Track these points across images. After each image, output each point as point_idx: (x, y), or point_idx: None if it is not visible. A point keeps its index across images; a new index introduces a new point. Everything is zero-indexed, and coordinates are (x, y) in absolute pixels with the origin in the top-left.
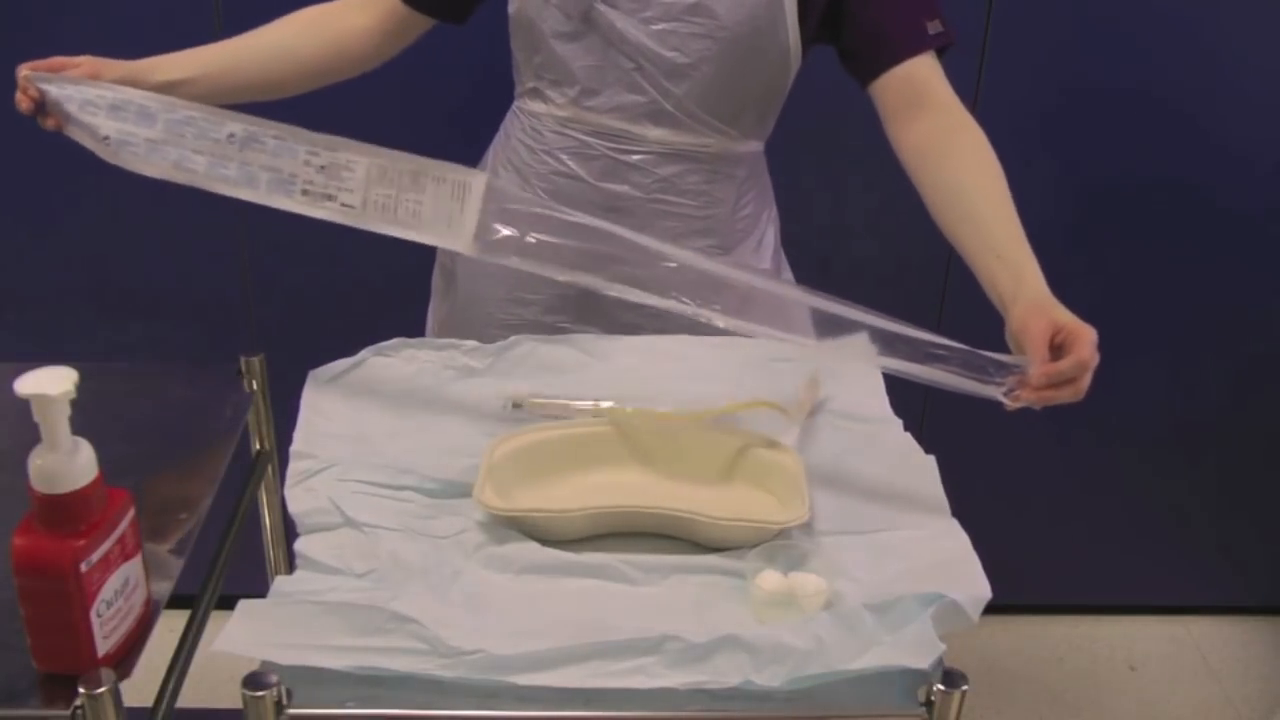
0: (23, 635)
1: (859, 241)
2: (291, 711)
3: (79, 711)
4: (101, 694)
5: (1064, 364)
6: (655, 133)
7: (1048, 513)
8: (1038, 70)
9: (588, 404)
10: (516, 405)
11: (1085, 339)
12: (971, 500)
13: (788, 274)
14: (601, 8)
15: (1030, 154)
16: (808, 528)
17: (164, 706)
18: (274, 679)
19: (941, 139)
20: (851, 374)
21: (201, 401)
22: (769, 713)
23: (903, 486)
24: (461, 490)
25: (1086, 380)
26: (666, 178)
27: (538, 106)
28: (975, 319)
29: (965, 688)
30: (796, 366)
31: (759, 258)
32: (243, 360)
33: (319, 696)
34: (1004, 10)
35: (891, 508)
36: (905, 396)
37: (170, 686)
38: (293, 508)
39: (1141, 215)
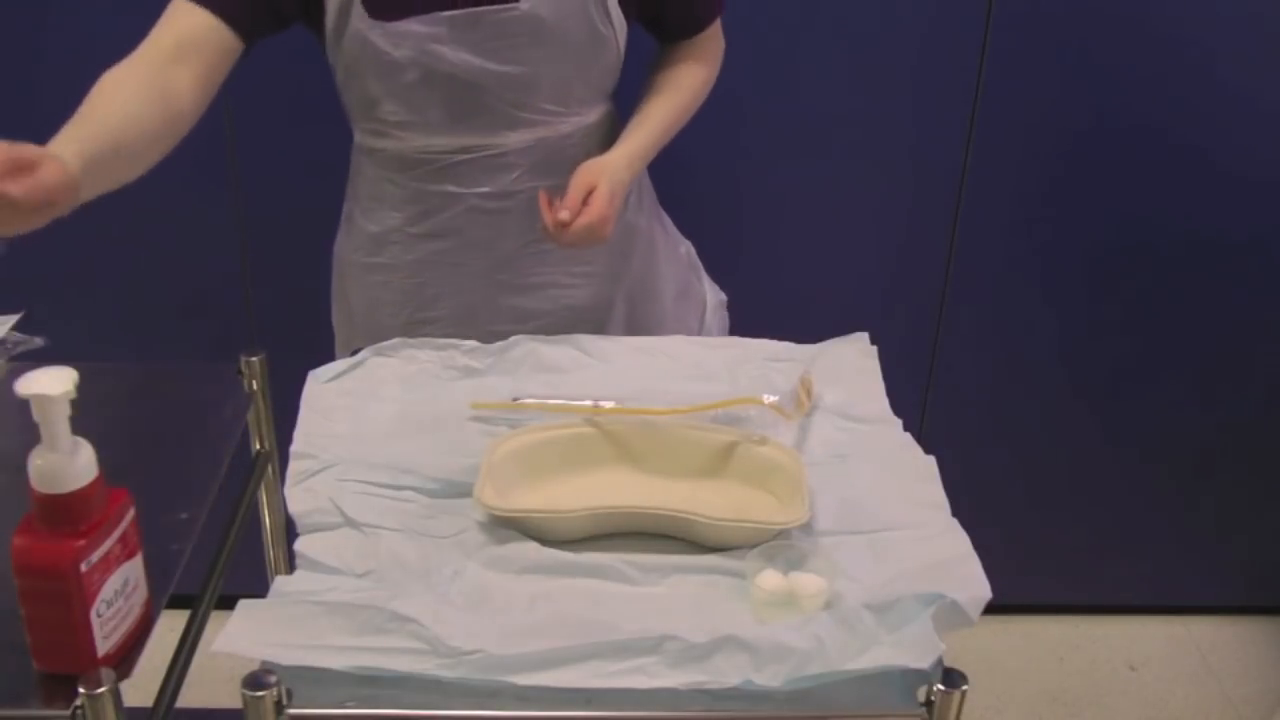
0: (23, 635)
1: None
2: (291, 711)
3: (79, 711)
4: (101, 694)
5: (577, 222)
6: (514, 138)
7: (1048, 513)
8: (1044, 106)
9: (588, 404)
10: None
11: (595, 210)
12: (971, 500)
13: (665, 216)
14: (433, 47)
15: (1054, 183)
16: (808, 528)
17: (164, 706)
18: (274, 679)
19: (678, 64)
20: (851, 374)
21: (201, 401)
22: (769, 713)
23: (903, 486)
24: (461, 490)
25: (598, 232)
26: (535, 164)
27: (388, 144)
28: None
29: (965, 688)
30: (794, 366)
31: (642, 210)
32: (243, 360)
33: (319, 696)
34: (1005, 12)
35: (891, 508)
36: (905, 396)
37: (170, 686)
38: (293, 508)
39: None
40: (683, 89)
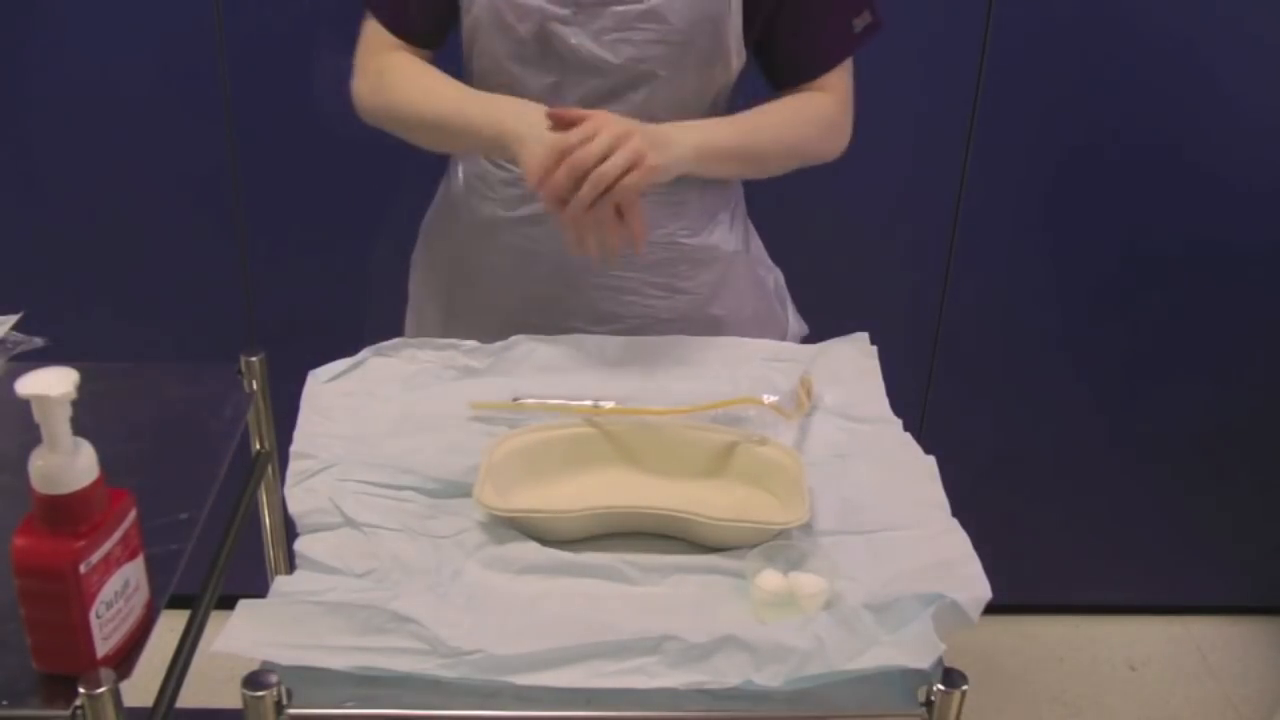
0: (23, 635)
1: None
2: (291, 711)
3: (79, 711)
4: (101, 694)
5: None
6: None
7: (1048, 513)
8: (1044, 107)
9: (588, 404)
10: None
11: (591, 130)
12: (971, 500)
13: (756, 242)
14: (554, 26)
15: (1053, 184)
16: (808, 528)
17: (164, 706)
18: (274, 679)
19: (786, 101)
20: (851, 374)
21: (201, 401)
22: (769, 713)
23: (903, 486)
24: (461, 490)
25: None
26: None
27: None
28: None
29: (965, 688)
30: (794, 366)
31: (732, 233)
32: (243, 360)
33: (319, 696)
34: (1004, 17)
35: (891, 508)
36: (905, 396)
37: (170, 686)
38: (293, 508)
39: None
40: (787, 116)
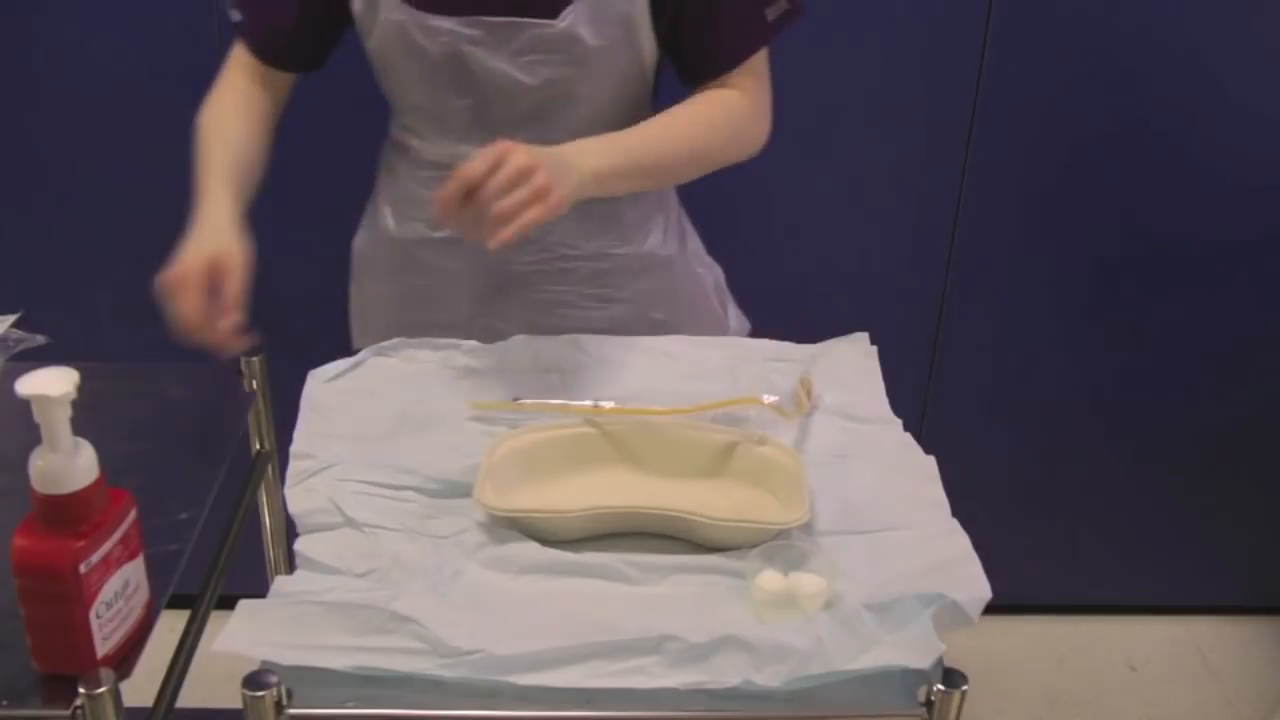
0: (23, 635)
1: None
2: (291, 711)
3: (79, 711)
4: (101, 694)
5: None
6: None
7: (1048, 513)
8: (1044, 105)
9: (588, 404)
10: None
11: (495, 161)
12: (971, 500)
13: (694, 240)
14: (467, 48)
15: (1054, 183)
16: (808, 528)
17: (164, 706)
18: (274, 679)
19: (692, 103)
20: (851, 374)
21: (201, 401)
22: (769, 713)
23: (903, 486)
24: (461, 490)
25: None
26: None
27: (414, 142)
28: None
29: (965, 688)
30: (794, 366)
31: (667, 237)
32: (243, 360)
33: (319, 696)
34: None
35: (891, 508)
36: (905, 396)
37: (170, 686)
38: (293, 508)
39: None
40: (689, 122)
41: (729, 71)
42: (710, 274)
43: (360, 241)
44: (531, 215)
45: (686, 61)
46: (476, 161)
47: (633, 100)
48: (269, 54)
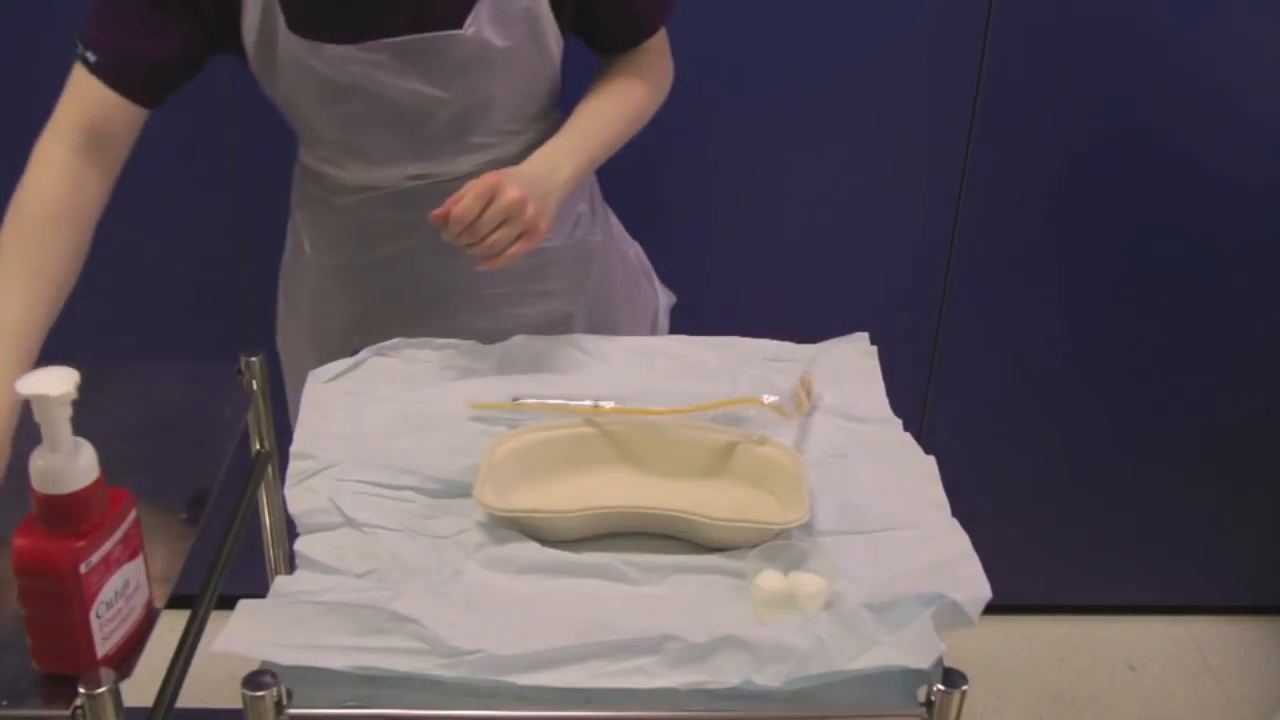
0: (23, 635)
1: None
2: (291, 711)
3: (79, 711)
4: (101, 694)
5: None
6: (465, 162)
7: (1047, 512)
8: (1044, 105)
9: (588, 404)
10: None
11: (486, 195)
12: (971, 500)
13: (613, 219)
14: (371, 72)
15: (1053, 182)
16: (808, 528)
17: (164, 706)
18: (274, 679)
19: (618, 78)
20: (851, 374)
21: (201, 401)
22: (769, 713)
23: (903, 486)
24: (461, 490)
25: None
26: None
27: (332, 171)
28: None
29: (965, 688)
30: (794, 366)
31: (595, 222)
32: (243, 360)
33: (319, 696)
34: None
35: (891, 508)
36: (905, 396)
37: (170, 686)
38: (293, 508)
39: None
40: (622, 101)
41: (640, 44)
42: (633, 250)
43: (288, 265)
44: (519, 249)
45: (598, 36)
46: (469, 199)
47: (547, 94)
48: (131, 86)
